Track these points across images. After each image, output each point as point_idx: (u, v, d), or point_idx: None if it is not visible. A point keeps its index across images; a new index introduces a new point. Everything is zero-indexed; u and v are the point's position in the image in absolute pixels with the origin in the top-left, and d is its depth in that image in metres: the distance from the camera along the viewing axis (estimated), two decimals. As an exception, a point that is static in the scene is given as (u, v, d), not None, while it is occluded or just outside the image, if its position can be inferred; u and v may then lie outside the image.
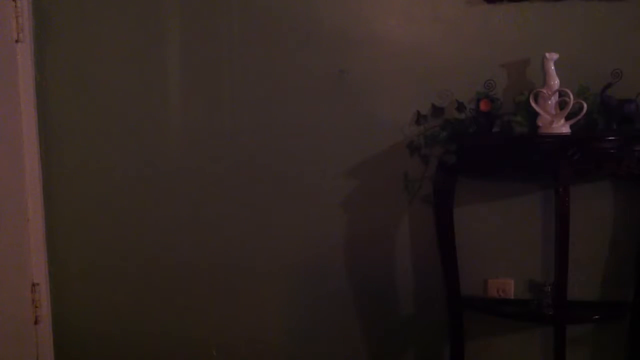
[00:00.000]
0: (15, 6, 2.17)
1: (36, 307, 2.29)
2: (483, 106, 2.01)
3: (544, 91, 1.92)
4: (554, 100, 1.93)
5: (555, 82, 1.93)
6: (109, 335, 2.35)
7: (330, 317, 2.27)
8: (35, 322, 2.30)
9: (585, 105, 1.87)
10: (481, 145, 2.01)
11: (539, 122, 1.94)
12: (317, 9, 2.14)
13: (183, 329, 2.32)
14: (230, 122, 2.22)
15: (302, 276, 2.27)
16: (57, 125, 2.28)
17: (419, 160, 2.13)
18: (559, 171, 1.83)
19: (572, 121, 1.91)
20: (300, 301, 2.28)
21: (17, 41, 2.19)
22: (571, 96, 1.86)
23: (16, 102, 2.20)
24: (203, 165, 2.25)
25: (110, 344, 2.35)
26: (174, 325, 2.32)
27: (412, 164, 2.14)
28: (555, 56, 1.94)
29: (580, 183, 2.01)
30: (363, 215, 2.21)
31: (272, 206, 2.24)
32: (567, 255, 1.87)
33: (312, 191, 2.22)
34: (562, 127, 1.91)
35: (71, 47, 2.25)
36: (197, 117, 2.24)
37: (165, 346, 2.34)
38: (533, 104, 1.94)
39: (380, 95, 2.15)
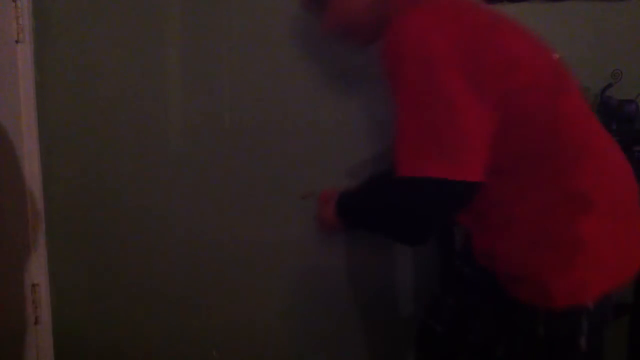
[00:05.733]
0: (16, 6, 2.17)
1: (36, 307, 2.29)
2: (483, 106, 2.01)
3: (544, 91, 1.92)
4: (554, 100, 1.92)
5: (555, 82, 1.93)
6: (109, 336, 2.35)
7: (330, 317, 2.27)
8: (35, 322, 2.30)
9: (585, 106, 1.87)
10: (481, 146, 2.00)
11: (539, 122, 1.94)
12: (317, 9, 2.14)
13: (183, 329, 2.33)
14: (230, 121, 2.22)
15: (302, 276, 2.27)
16: (57, 125, 2.28)
17: (419, 161, 2.12)
18: (559, 171, 1.83)
19: (572, 121, 1.90)
20: (300, 301, 2.29)
21: (17, 41, 2.18)
22: (571, 96, 1.85)
23: (16, 102, 2.20)
24: (203, 165, 2.25)
25: (110, 344, 2.36)
26: (174, 324, 2.33)
27: (412, 164, 2.13)
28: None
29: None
30: (363, 216, 2.21)
31: (272, 206, 2.25)
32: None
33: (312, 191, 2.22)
34: (562, 128, 1.90)
35: (71, 47, 2.25)
36: (197, 116, 2.25)
37: (165, 346, 2.34)
38: (533, 104, 1.93)
39: (380, 94, 2.15)
